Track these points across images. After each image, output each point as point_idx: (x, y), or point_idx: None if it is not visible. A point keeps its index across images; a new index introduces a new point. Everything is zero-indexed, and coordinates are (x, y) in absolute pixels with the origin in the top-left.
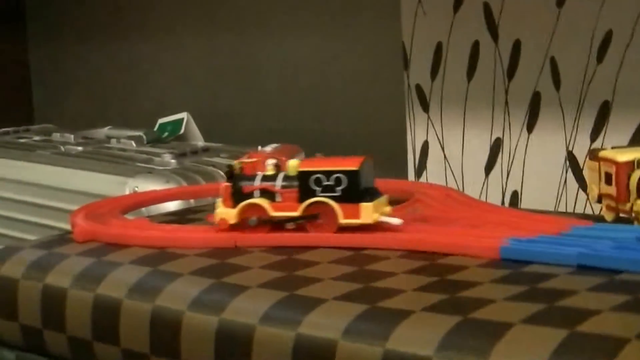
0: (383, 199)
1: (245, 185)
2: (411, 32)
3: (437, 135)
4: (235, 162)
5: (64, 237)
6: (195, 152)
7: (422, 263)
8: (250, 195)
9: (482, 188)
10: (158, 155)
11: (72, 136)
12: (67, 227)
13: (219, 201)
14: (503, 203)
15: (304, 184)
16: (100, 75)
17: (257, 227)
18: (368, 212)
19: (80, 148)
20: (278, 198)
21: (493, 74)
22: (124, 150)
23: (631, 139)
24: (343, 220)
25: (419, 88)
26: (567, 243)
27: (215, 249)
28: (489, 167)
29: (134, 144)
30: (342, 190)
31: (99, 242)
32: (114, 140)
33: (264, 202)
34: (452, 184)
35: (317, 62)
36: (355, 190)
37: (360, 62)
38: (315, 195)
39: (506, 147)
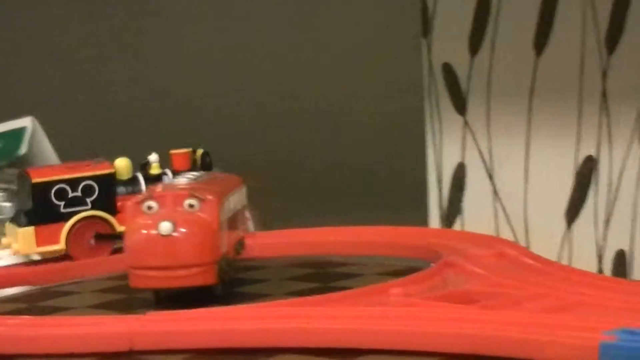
0: None
1: None
2: None
3: (480, 153)
4: None
5: None
6: None
7: None
8: None
9: (563, 244)
10: None
11: None
12: None
13: None
14: (601, 270)
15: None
16: None
17: None
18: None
19: None
20: None
21: (582, 43)
22: None
23: None
24: None
25: (447, 69)
26: None
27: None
28: (573, 209)
29: None
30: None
31: None
32: None
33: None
34: (507, 235)
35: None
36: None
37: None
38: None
39: (604, 173)
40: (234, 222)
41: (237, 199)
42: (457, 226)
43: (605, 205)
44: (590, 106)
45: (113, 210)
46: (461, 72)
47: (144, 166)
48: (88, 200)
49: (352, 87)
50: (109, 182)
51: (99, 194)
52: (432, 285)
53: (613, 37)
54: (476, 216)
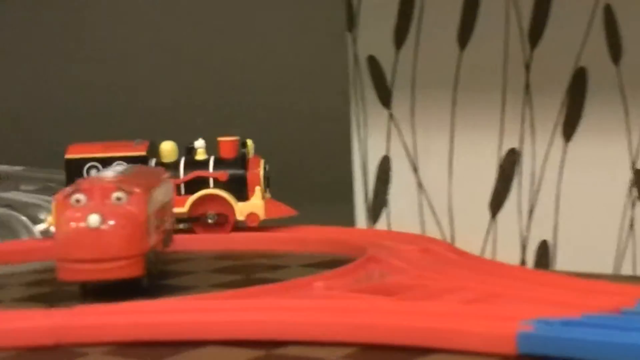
0: None
1: None
2: None
3: (405, 146)
4: None
5: None
6: None
7: None
8: None
9: (487, 237)
10: None
11: None
12: None
13: None
14: (524, 260)
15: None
16: None
17: None
18: None
19: None
20: None
21: (505, 37)
22: None
23: None
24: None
25: (373, 63)
26: (632, 327)
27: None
28: (497, 201)
29: None
30: None
31: None
32: None
33: None
34: (432, 231)
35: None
36: None
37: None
38: None
39: (527, 165)
40: (161, 214)
41: (164, 191)
42: (382, 219)
43: (529, 197)
44: (513, 99)
45: None
46: (386, 66)
47: (190, 151)
48: None
49: (277, 80)
50: (142, 164)
51: None
52: (355, 279)
53: (536, 31)
54: (401, 209)
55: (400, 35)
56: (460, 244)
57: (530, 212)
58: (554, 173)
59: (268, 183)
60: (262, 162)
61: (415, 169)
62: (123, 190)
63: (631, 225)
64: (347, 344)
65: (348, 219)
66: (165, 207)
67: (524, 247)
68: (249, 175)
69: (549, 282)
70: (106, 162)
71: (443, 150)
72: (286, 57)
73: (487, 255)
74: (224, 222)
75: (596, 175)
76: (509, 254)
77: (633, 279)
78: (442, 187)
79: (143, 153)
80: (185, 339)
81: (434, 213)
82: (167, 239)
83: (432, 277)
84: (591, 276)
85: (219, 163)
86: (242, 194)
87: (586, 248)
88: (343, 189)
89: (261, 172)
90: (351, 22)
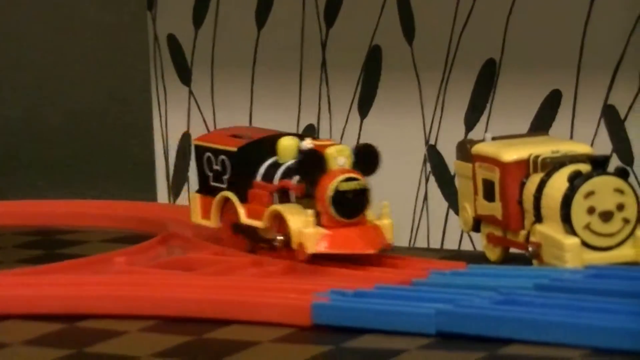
0: None
1: None
2: None
3: (205, 123)
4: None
5: None
6: None
7: (182, 339)
8: None
9: None
10: None
11: None
12: None
13: None
14: None
15: None
16: None
17: None
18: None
19: None
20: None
21: (302, 16)
22: None
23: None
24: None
25: (172, 41)
26: (421, 297)
27: None
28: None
29: None
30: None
31: None
32: None
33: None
34: None
35: None
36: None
37: None
38: None
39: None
40: None
41: None
42: (183, 195)
43: None
44: (310, 77)
45: (244, 197)
46: (186, 44)
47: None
48: (224, 178)
49: (77, 58)
50: (242, 162)
51: (232, 173)
52: (156, 254)
53: (331, 10)
54: None
55: (199, 14)
56: None
57: None
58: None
59: (355, 206)
60: (338, 176)
61: None
62: None
63: (425, 200)
64: (147, 317)
65: (150, 196)
66: None
67: None
68: (317, 193)
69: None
70: (216, 154)
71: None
72: (85, 36)
73: None
74: (289, 246)
75: (391, 151)
76: None
77: (426, 252)
78: None
79: (234, 149)
80: None
81: None
82: None
83: (231, 252)
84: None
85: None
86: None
87: None
88: (144, 166)
89: (329, 190)
90: (151, 1)
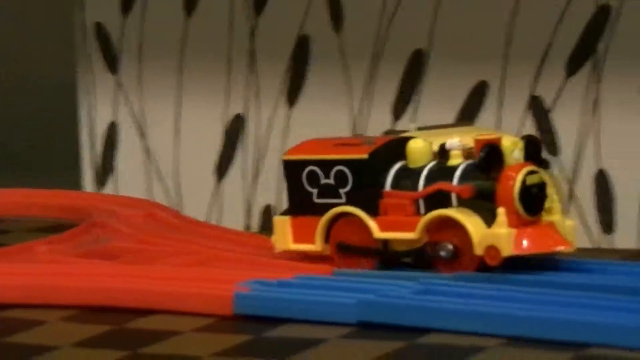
0: None
1: None
2: None
3: (133, 113)
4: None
5: None
6: None
7: (103, 329)
8: None
9: (213, 200)
10: None
11: None
12: None
13: None
14: (249, 225)
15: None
16: None
17: None
18: None
19: None
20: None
21: (230, 3)
22: None
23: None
24: None
25: (100, 29)
26: (342, 287)
27: None
28: (223, 167)
29: None
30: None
31: None
32: None
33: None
34: (160, 197)
35: None
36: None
37: None
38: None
39: (252, 131)
40: None
41: None
42: (109, 185)
43: (253, 163)
44: (238, 66)
45: (374, 209)
46: (113, 32)
47: (444, 153)
48: (341, 191)
49: (2, 46)
50: (372, 170)
51: (353, 185)
52: (79, 243)
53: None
54: (129, 175)
55: (126, 2)
56: (186, 210)
57: (255, 177)
58: (278, 138)
59: (538, 201)
60: (522, 170)
61: (142, 135)
62: None
63: None
64: (68, 306)
65: (75, 186)
66: None
67: (248, 212)
68: (499, 189)
69: (265, 245)
70: (326, 166)
71: (170, 116)
72: (9, 24)
73: (213, 220)
74: (461, 256)
75: None
76: (234, 218)
77: None
78: (169, 153)
79: (364, 156)
80: None
81: (160, 179)
82: None
83: (154, 241)
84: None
85: (471, 171)
86: (491, 218)
87: None
88: (70, 155)
89: (516, 186)
90: None
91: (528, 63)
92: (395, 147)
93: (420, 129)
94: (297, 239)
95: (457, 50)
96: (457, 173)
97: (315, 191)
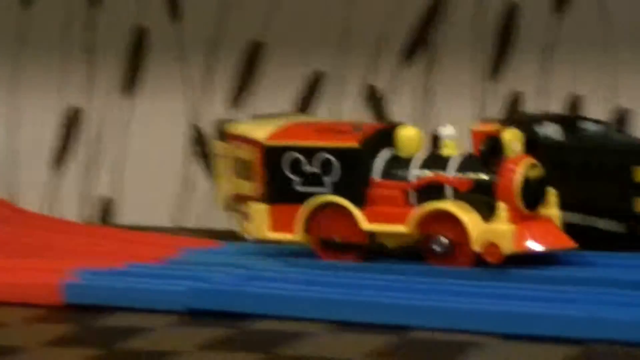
0: None
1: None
2: None
3: None
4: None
5: None
6: None
7: None
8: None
9: (50, 192)
10: None
11: None
12: None
13: None
14: (86, 217)
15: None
16: None
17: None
18: None
19: None
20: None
21: None
22: None
23: None
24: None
25: None
26: (173, 275)
27: None
28: (60, 159)
29: None
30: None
31: None
32: None
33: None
34: None
35: None
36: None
37: None
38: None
39: (89, 123)
40: None
41: None
42: None
43: (91, 154)
44: (76, 58)
45: (359, 199)
46: None
47: (436, 142)
48: (326, 180)
49: None
50: (354, 160)
51: (341, 174)
52: None
53: None
54: None
55: None
56: (22, 201)
57: (92, 168)
58: (115, 130)
59: (537, 195)
60: (524, 162)
61: None
62: None
63: (189, 179)
64: None
65: None
66: None
67: (86, 204)
68: (500, 183)
69: (101, 235)
70: (309, 154)
71: (3, 108)
72: None
73: (48, 211)
74: (457, 251)
75: (157, 132)
76: (72, 210)
77: (185, 231)
78: (3, 144)
79: (355, 145)
80: None
81: None
82: None
83: None
84: (150, 229)
85: (469, 163)
86: (489, 212)
87: (148, 202)
88: None
89: (517, 179)
90: None
91: (363, 53)
92: (384, 134)
93: (254, 118)
94: (275, 227)
95: (293, 40)
96: (453, 164)
97: (297, 179)
